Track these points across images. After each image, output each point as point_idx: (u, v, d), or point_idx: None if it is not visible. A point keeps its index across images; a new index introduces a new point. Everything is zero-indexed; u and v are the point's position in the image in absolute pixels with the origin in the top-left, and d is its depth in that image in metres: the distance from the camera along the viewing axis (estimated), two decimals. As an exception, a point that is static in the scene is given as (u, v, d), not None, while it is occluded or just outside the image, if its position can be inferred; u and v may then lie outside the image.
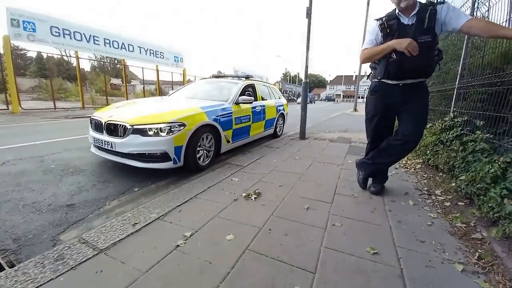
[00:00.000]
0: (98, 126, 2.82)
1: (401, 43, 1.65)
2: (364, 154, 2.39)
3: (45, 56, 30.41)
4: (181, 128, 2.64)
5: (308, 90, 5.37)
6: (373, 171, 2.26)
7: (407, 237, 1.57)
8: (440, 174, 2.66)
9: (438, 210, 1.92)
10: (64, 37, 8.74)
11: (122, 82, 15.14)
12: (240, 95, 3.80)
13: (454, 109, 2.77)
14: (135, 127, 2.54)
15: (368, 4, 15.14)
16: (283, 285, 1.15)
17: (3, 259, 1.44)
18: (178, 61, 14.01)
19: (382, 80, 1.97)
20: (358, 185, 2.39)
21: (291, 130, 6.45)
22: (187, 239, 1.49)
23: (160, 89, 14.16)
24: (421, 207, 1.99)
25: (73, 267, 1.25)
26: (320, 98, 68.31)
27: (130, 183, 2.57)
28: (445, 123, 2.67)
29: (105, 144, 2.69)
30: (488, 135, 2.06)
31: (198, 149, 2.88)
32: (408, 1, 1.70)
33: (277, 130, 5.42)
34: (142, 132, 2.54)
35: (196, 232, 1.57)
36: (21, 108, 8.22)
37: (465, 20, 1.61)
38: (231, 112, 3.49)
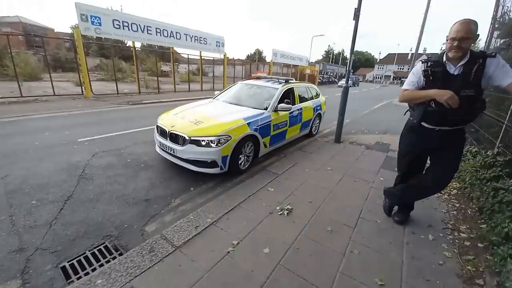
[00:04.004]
0: (163, 133, 3.47)
1: (442, 95, 1.69)
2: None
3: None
4: (228, 140, 3.12)
5: (352, 71, 5.28)
6: (399, 202, 2.44)
7: (415, 273, 1.83)
8: (474, 206, 2.68)
9: (455, 250, 2.08)
10: (123, 28, 9.73)
11: (170, 68, 16.73)
12: (279, 102, 4.10)
13: (500, 145, 2.66)
14: (192, 138, 3.10)
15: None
16: (304, 299, 1.58)
17: (110, 243, 2.11)
18: (219, 46, 14.41)
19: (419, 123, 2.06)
20: (383, 210, 2.60)
21: (327, 127, 6.51)
22: (234, 247, 2.00)
23: (202, 70, 15.48)
24: (439, 243, 2.17)
25: (161, 259, 1.85)
26: (366, 79, 62.54)
27: (187, 182, 3.21)
28: (486, 159, 2.61)
29: (168, 149, 3.34)
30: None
31: (240, 156, 3.36)
32: (455, 54, 1.71)
33: (312, 129, 5.64)
34: (197, 142, 3.09)
35: (240, 241, 2.08)
36: (92, 94, 9.73)
37: (510, 82, 1.61)
38: (270, 120, 3.84)
